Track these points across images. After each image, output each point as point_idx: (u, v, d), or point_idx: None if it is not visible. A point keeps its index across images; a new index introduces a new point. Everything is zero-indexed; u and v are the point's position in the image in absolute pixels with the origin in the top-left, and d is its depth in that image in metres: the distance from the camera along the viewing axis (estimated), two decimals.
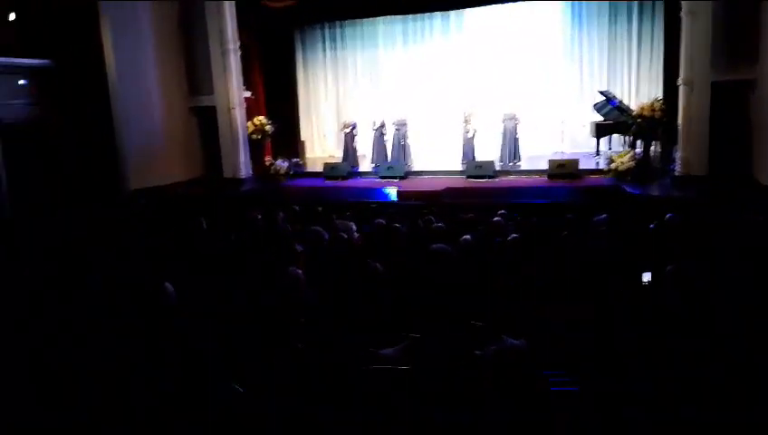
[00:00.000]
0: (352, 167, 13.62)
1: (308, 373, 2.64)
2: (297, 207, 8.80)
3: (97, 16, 11.25)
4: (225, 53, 12.72)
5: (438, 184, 11.77)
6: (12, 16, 10.19)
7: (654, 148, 11.74)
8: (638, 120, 11.06)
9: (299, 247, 5.47)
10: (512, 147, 13.05)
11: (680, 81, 10.22)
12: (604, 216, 7.32)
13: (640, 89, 13.91)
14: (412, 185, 12.13)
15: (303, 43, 16.28)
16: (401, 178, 12.62)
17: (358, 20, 15.59)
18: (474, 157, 13.04)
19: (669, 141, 11.27)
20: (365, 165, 14.08)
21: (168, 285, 3.88)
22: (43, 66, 10.71)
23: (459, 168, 13.02)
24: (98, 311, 3.68)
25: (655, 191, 10.26)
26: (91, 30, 11.25)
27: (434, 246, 5.33)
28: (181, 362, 2.83)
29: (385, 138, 13.93)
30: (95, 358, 2.92)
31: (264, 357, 2.90)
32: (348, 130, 14.12)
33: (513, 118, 13.07)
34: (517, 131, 13.07)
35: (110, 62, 11.49)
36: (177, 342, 3.21)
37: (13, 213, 9.65)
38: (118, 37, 11.50)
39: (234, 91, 12.96)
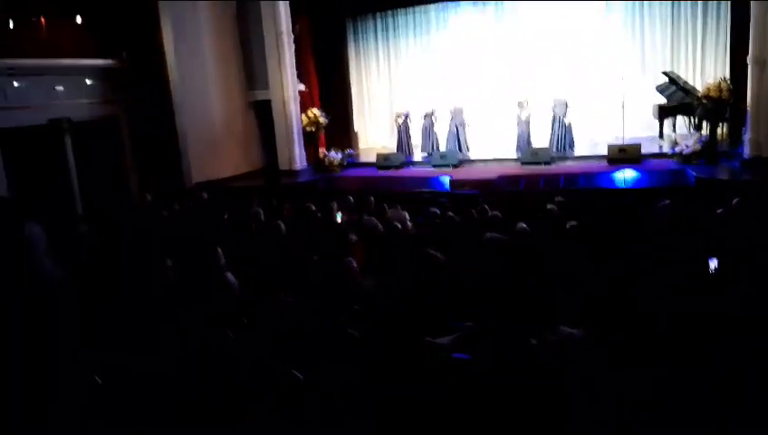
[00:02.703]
0: (406, 156, 13.61)
1: (363, 361, 2.67)
2: (351, 198, 8.86)
3: (157, 16, 11.64)
4: (279, 46, 12.92)
5: (492, 172, 11.60)
6: (78, 19, 10.66)
7: (721, 130, 11.20)
8: (704, 101, 10.58)
9: (353, 238, 5.53)
10: (563, 133, 12.73)
11: (749, 58, 9.71)
12: (668, 201, 7.06)
13: (706, 68, 13.26)
14: (466, 173, 12.00)
15: (355, 33, 16.30)
16: (455, 166, 12.52)
17: (410, 7, 15.49)
18: (529, 143, 12.80)
19: (737, 123, 10.75)
20: (418, 154, 14.03)
21: (229, 275, 4.00)
22: (108, 66, 11.18)
23: (513, 155, 12.80)
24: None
25: (722, 175, 9.81)
26: (151, 29, 11.66)
27: (488, 234, 5.27)
28: (243, 348, 2.91)
29: (436, 126, 13.84)
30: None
31: (319, 345, 2.95)
32: (401, 120, 14.11)
33: (566, 104, 12.74)
34: (567, 117, 12.72)
35: (170, 60, 11.90)
36: (241, 328, 3.30)
37: (83, 209, 10.14)
38: (178, 35, 11.87)
39: (288, 85, 13.16)
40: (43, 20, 9.96)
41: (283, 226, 6.51)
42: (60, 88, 10.25)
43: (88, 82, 10.89)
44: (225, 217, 7.90)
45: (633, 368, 2.31)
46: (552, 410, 1.79)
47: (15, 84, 9.45)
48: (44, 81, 9.99)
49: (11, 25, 9.41)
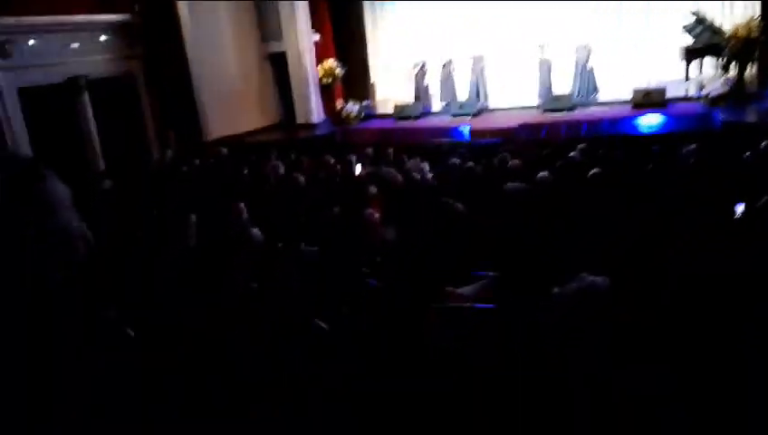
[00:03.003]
0: (424, 106, 13.41)
1: (385, 312, 2.70)
2: (370, 150, 8.82)
3: None
4: None
5: (513, 120, 11.41)
6: None
7: (750, 71, 10.81)
8: (733, 41, 10.18)
9: (373, 189, 5.51)
10: (586, 78, 12.40)
11: None
12: (693, 146, 6.90)
13: (735, 7, 12.70)
14: (485, 122, 11.83)
15: None
16: (474, 115, 12.33)
17: None
18: (550, 90, 12.51)
19: (767, 64, 10.36)
20: (437, 104, 13.82)
21: (254, 230, 4.02)
22: (121, 21, 11.05)
23: (535, 102, 12.54)
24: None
25: (750, 117, 9.53)
26: None
27: (509, 184, 5.22)
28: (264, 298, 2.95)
29: (454, 75, 13.56)
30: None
31: (341, 296, 2.98)
32: (418, 69, 13.85)
33: (588, 48, 12.36)
34: (590, 61, 12.37)
35: (183, 14, 11.73)
36: (263, 279, 3.35)
37: (105, 166, 10.23)
38: None
39: (303, 36, 12.95)
40: None
41: (302, 178, 6.52)
42: (75, 45, 10.18)
43: (102, 38, 10.81)
44: (245, 171, 7.93)
45: (639, 364, 2.26)
46: (557, 403, 1.79)
47: (31, 43, 9.41)
48: (59, 38, 9.92)
49: None
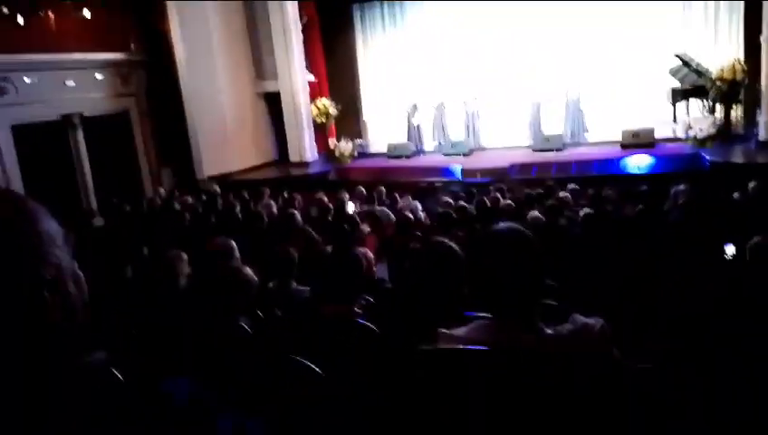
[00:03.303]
0: (416, 145, 13.56)
1: (374, 353, 2.67)
2: (362, 188, 8.86)
3: (165, 8, 11.64)
4: (287, 37, 12.87)
5: (504, 159, 11.54)
6: (87, 13, 10.67)
7: (735, 112, 11.05)
8: (718, 83, 10.43)
9: (366, 228, 5.52)
10: (578, 119, 12.62)
11: (763, 37, 9.54)
12: (683, 186, 6.98)
13: (719, 50, 13.05)
14: (477, 162, 11.95)
15: (363, 21, 16.16)
16: (466, 155, 12.45)
17: None
18: (541, 130, 12.70)
19: (752, 105, 10.59)
20: (429, 144, 13.97)
21: (246, 269, 3.99)
22: (117, 60, 11.20)
23: (525, 143, 12.71)
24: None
25: (737, 158, 9.68)
26: (159, 22, 11.66)
27: (501, 224, 5.24)
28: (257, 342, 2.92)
29: (446, 115, 13.77)
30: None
31: (332, 337, 2.95)
32: (410, 109, 14.04)
33: (577, 89, 12.63)
34: (581, 103, 12.62)
35: (179, 53, 11.90)
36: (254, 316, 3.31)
37: (97, 202, 10.22)
38: (186, 27, 11.86)
39: (297, 76, 13.13)
40: (51, 14, 9.97)
41: (298, 215, 6.51)
42: (70, 82, 10.29)
43: (98, 76, 10.93)
44: (237, 209, 7.92)
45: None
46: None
47: (27, 80, 9.51)
48: (55, 75, 10.03)
49: (20, 21, 9.43)
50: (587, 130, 12.67)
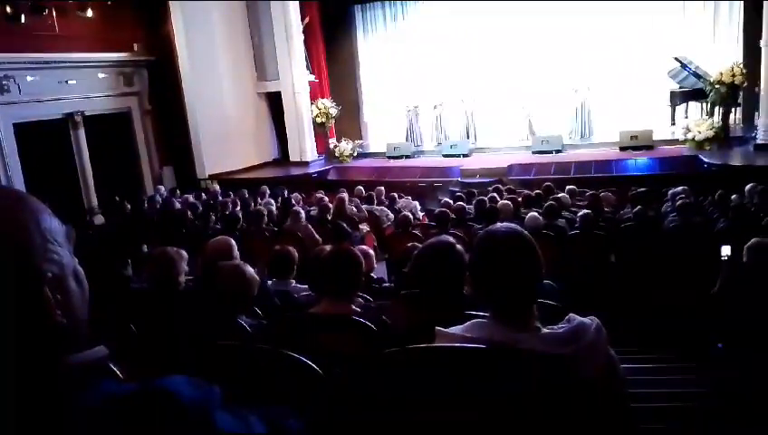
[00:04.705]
0: (416, 146, 13.60)
1: (375, 349, 2.70)
2: (362, 188, 8.89)
3: (167, 8, 11.67)
4: (288, 37, 12.92)
5: (503, 160, 11.57)
6: (90, 13, 10.70)
7: (734, 115, 11.09)
8: (717, 85, 10.47)
9: (365, 227, 5.56)
10: (582, 120, 12.67)
11: (763, 42, 9.58)
12: (681, 188, 7.02)
13: (718, 53, 13.09)
14: (476, 162, 11.98)
15: (364, 22, 16.19)
16: (465, 155, 12.49)
17: None
18: (539, 132, 12.75)
19: (750, 108, 10.63)
20: (428, 144, 14.01)
21: (249, 268, 4.01)
22: (120, 60, 11.23)
23: (525, 144, 12.75)
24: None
25: (735, 161, 9.72)
26: (162, 22, 11.70)
27: (498, 224, 5.27)
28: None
29: (445, 116, 13.81)
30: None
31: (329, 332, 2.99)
32: (410, 109, 14.08)
33: (581, 91, 12.67)
34: (586, 104, 12.66)
35: (181, 52, 11.93)
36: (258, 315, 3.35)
37: (98, 200, 10.25)
38: (188, 27, 11.89)
39: (298, 77, 13.18)
40: (54, 13, 10.01)
41: (302, 213, 6.52)
42: (73, 81, 10.32)
43: (101, 75, 10.96)
44: (238, 208, 7.96)
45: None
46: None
47: (29, 79, 9.54)
48: (57, 74, 10.07)
49: (23, 20, 9.47)
50: (591, 133, 12.71)
